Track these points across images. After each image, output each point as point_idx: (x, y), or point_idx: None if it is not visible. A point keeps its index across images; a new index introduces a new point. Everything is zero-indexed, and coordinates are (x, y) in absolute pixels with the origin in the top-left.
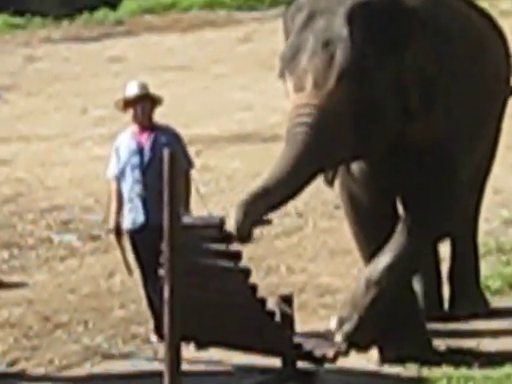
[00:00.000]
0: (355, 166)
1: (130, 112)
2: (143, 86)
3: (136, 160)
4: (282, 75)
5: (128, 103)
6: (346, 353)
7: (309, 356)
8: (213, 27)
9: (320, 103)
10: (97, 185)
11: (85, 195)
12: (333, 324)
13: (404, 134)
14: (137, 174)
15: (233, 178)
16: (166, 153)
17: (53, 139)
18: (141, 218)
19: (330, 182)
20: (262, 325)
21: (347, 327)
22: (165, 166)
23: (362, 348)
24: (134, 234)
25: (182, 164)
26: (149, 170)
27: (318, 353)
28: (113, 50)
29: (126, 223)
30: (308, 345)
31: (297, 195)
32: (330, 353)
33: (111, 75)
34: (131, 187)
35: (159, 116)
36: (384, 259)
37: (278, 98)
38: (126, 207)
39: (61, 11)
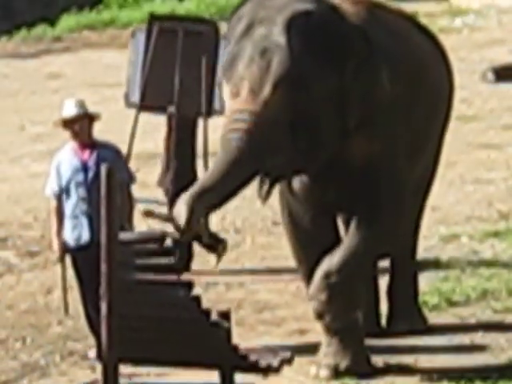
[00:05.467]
0: (296, 183)
1: (69, 131)
2: (80, 105)
3: (80, 177)
4: (221, 82)
5: (66, 123)
6: (289, 362)
7: (254, 367)
8: None
9: (255, 109)
10: (35, 201)
11: (23, 212)
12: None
13: (342, 150)
14: (82, 191)
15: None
16: (103, 169)
17: None
18: (86, 236)
19: (264, 198)
20: (206, 337)
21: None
22: (102, 181)
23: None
24: (77, 251)
25: (123, 179)
26: (93, 186)
27: (263, 363)
28: (51, 67)
29: (69, 240)
30: (252, 356)
31: (233, 196)
32: (275, 362)
33: (49, 92)
34: (76, 205)
35: (98, 133)
36: (338, 255)
37: None
38: (69, 224)
39: None
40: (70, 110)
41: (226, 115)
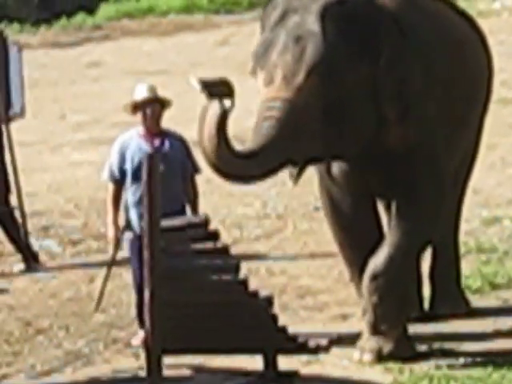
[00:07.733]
0: (335, 169)
1: (140, 115)
2: (152, 89)
3: None
4: (253, 71)
5: (137, 107)
6: (337, 342)
7: (304, 347)
8: (191, 31)
9: (288, 96)
10: (76, 190)
11: (64, 201)
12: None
13: (379, 137)
14: None
15: (212, 181)
16: (145, 156)
17: (32, 145)
18: None
19: (295, 178)
20: (253, 320)
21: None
22: (144, 169)
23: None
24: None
25: (188, 169)
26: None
27: (311, 343)
28: (91, 55)
29: (135, 227)
30: (301, 336)
31: (262, 180)
32: (324, 342)
33: (89, 80)
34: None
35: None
36: (383, 253)
37: (255, 102)
38: (134, 211)
39: (39, 17)
40: (141, 94)
41: (259, 102)
